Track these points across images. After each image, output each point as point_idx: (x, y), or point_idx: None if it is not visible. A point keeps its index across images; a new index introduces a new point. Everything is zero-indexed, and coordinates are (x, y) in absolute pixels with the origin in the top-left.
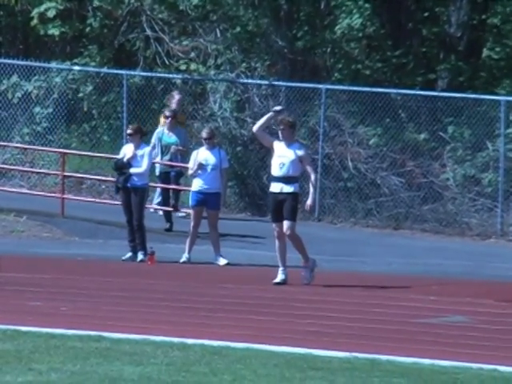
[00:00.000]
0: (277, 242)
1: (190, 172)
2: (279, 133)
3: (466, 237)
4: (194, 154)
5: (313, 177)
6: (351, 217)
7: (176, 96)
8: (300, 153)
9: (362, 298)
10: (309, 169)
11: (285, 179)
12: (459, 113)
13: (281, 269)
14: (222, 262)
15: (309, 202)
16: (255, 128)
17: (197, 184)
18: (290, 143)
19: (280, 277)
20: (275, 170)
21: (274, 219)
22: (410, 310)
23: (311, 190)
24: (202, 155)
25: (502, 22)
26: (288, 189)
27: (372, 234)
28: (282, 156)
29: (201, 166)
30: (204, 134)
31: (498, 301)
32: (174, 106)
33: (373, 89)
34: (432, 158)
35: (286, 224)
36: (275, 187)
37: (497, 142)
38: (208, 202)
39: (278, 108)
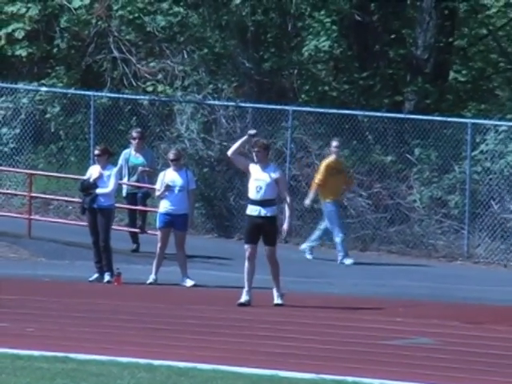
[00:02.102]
0: (246, 264)
1: (157, 193)
2: (254, 155)
3: (433, 258)
4: (161, 175)
5: (288, 199)
6: None
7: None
8: (276, 175)
9: (329, 319)
10: (284, 192)
11: (262, 202)
12: (426, 135)
13: (246, 290)
14: (189, 283)
15: (285, 226)
16: (230, 152)
17: (164, 205)
18: (265, 166)
19: (244, 298)
20: (252, 194)
21: (248, 240)
22: (377, 332)
23: (287, 213)
24: (169, 176)
25: (468, 45)
26: (266, 212)
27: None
28: (259, 179)
29: (168, 188)
30: (171, 155)
31: (464, 323)
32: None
33: (340, 110)
34: (399, 180)
35: (269, 250)
36: (253, 210)
37: (463, 164)
38: (175, 223)
39: (252, 132)
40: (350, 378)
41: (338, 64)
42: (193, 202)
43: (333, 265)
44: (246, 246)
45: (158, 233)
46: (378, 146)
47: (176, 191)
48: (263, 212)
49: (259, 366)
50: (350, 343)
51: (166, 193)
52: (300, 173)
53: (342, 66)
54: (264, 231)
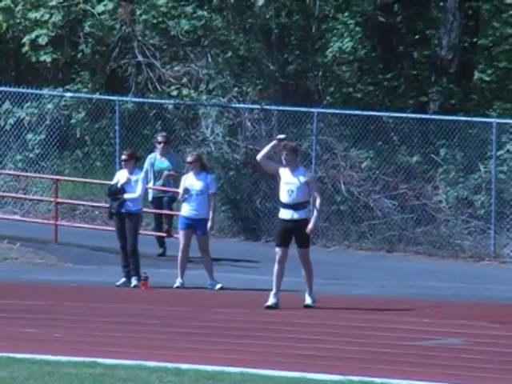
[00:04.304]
0: (276, 266)
1: (179, 197)
2: (283, 159)
3: (460, 259)
4: (183, 178)
5: (318, 201)
6: (344, 240)
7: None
8: (306, 178)
9: (356, 321)
10: (315, 193)
11: (294, 206)
12: (451, 135)
13: (273, 292)
14: (217, 286)
15: (310, 225)
16: (259, 157)
17: (185, 209)
18: (294, 169)
19: (272, 300)
20: (284, 197)
21: (280, 244)
22: (404, 333)
23: (315, 214)
24: (189, 180)
25: (493, 44)
26: (298, 216)
27: (365, 257)
28: (289, 183)
29: (186, 191)
30: (187, 158)
31: (491, 323)
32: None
33: (365, 112)
34: (424, 181)
35: (302, 252)
36: (285, 214)
37: (489, 163)
38: (196, 227)
39: (281, 136)
40: (377, 380)
41: (362, 65)
42: (213, 206)
43: (360, 266)
44: (277, 249)
45: (180, 235)
46: (404, 146)
47: (194, 195)
48: (296, 216)
49: (287, 369)
50: (378, 344)
51: (186, 196)
52: (326, 174)
53: (366, 68)
54: (297, 234)
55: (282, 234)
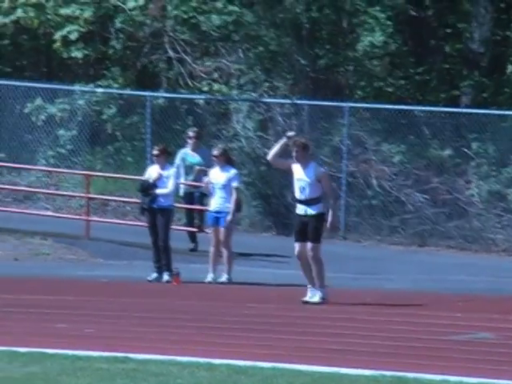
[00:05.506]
0: (300, 262)
1: (202, 189)
2: (293, 155)
3: (492, 253)
4: (211, 172)
5: (332, 197)
6: (376, 234)
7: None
8: (317, 174)
9: (388, 315)
10: (327, 189)
11: (307, 202)
12: (483, 129)
13: (309, 286)
14: (221, 279)
15: (328, 223)
16: (270, 156)
17: (211, 203)
18: (305, 165)
19: (309, 295)
20: (297, 194)
21: (297, 239)
22: (437, 327)
23: (331, 211)
24: (213, 174)
25: None
26: (312, 211)
27: (397, 252)
28: (300, 179)
29: (208, 185)
30: (213, 151)
31: None
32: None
33: (396, 106)
34: (457, 175)
35: (309, 246)
36: (300, 209)
37: None
38: (219, 220)
39: (290, 134)
40: (410, 374)
41: (393, 59)
42: (234, 200)
43: (392, 260)
44: (295, 244)
45: (210, 230)
46: (435, 140)
47: (217, 189)
48: (309, 211)
49: (319, 363)
50: (410, 339)
51: (209, 189)
52: (357, 169)
53: (397, 62)
54: (308, 228)
55: (298, 229)
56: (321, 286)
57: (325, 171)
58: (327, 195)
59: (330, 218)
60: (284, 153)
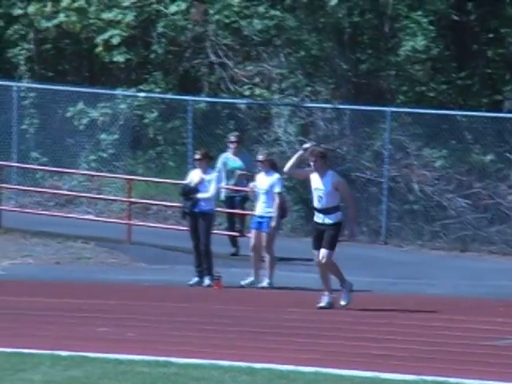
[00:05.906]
0: (319, 269)
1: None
2: (311, 165)
3: None
4: (256, 177)
5: (350, 205)
6: (418, 239)
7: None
8: (333, 182)
9: (429, 320)
10: (346, 197)
11: (325, 211)
12: None
13: (326, 293)
14: (261, 284)
15: (347, 231)
16: (287, 168)
17: (256, 208)
18: (323, 174)
19: (325, 301)
20: (315, 203)
21: (315, 247)
22: (478, 333)
23: (350, 218)
24: (258, 179)
25: None
26: (329, 220)
27: (439, 257)
28: (318, 189)
29: (252, 189)
30: (258, 156)
31: None
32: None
33: (438, 111)
34: (499, 180)
35: (322, 252)
36: (317, 217)
37: None
38: (262, 224)
39: (306, 145)
40: (451, 380)
41: (435, 64)
42: (277, 205)
43: (433, 266)
44: (314, 252)
45: (251, 234)
46: (477, 145)
47: (260, 194)
48: (327, 220)
49: (360, 368)
50: (451, 344)
51: (253, 194)
52: (399, 174)
53: (439, 66)
54: (324, 235)
55: (316, 237)
56: (343, 281)
57: (342, 180)
58: (347, 204)
59: (348, 227)
60: (301, 163)
